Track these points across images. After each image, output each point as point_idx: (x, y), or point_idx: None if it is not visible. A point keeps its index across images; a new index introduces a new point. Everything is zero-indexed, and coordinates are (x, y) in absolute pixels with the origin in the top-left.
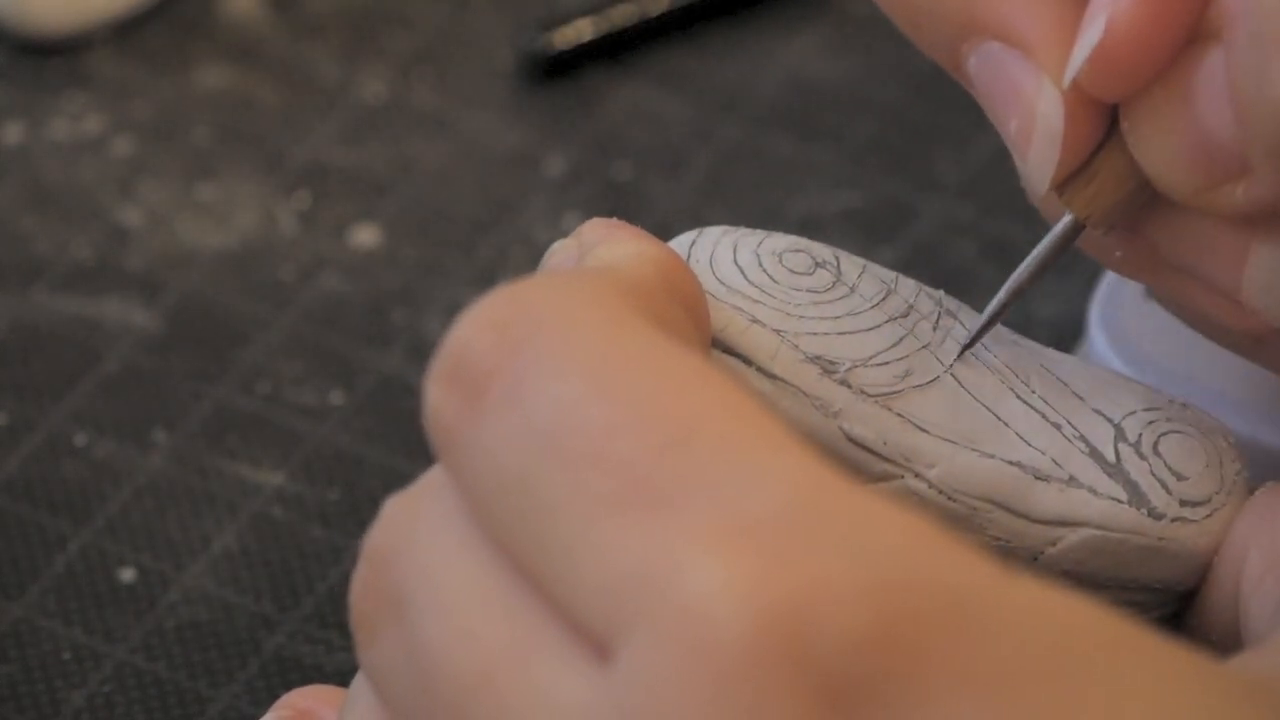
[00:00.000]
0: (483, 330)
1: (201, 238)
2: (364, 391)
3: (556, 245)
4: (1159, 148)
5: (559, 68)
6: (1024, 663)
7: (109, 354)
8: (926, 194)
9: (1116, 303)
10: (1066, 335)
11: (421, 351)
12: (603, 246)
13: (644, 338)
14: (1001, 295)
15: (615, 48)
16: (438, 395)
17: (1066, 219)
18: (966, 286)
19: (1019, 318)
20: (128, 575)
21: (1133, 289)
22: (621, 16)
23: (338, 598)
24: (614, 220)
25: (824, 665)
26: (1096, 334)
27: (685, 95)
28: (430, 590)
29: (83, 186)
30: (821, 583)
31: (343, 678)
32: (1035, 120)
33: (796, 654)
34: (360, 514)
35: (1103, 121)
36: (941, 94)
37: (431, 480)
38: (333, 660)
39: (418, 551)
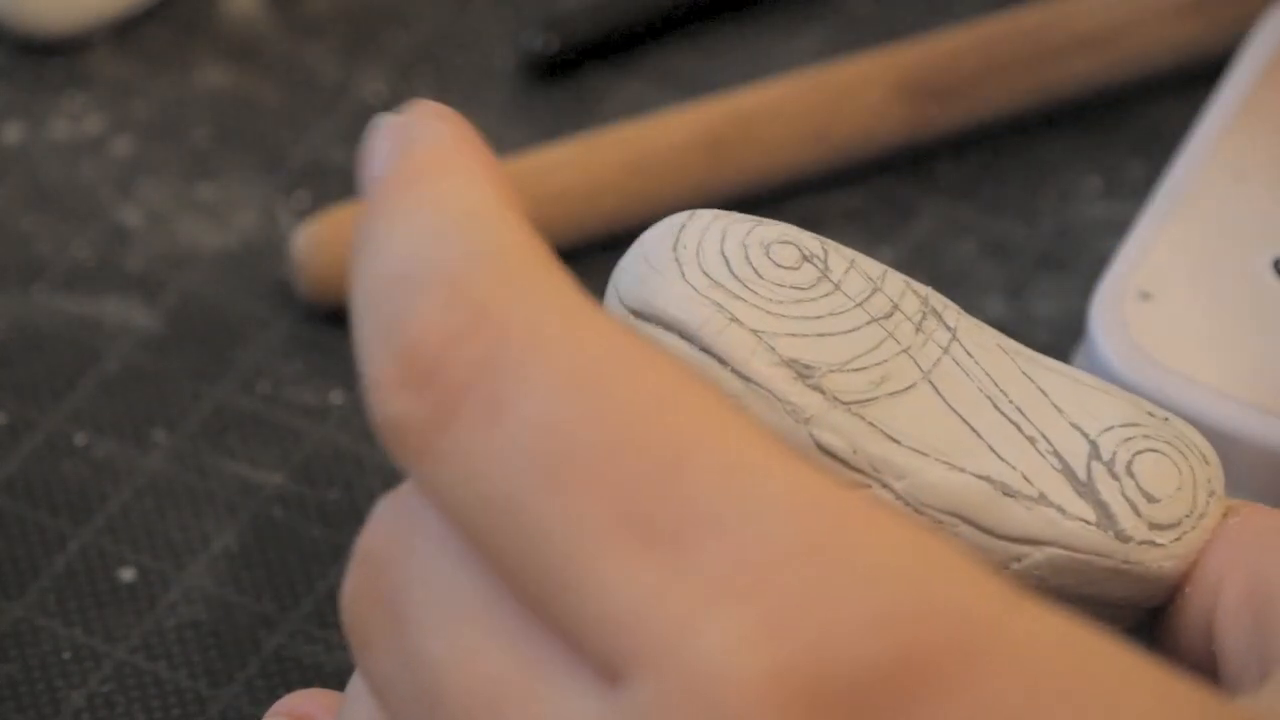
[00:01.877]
0: (442, 337)
1: (201, 238)
2: (364, 391)
3: (380, 122)
4: None
5: (559, 68)
6: (1040, 693)
7: (109, 354)
8: (926, 194)
9: (1116, 302)
10: (1066, 335)
11: None
12: (433, 184)
13: (611, 341)
14: None
15: (615, 48)
16: (400, 405)
17: None
18: (966, 287)
19: (1018, 317)
20: (128, 575)
21: (1133, 288)
22: (621, 16)
23: (338, 597)
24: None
25: (841, 701)
26: (1096, 333)
27: (685, 95)
28: (431, 604)
29: (83, 186)
30: (834, 618)
31: (342, 677)
32: None
33: (812, 693)
34: (360, 514)
35: None
36: None
37: None
38: (333, 660)
39: (414, 560)
